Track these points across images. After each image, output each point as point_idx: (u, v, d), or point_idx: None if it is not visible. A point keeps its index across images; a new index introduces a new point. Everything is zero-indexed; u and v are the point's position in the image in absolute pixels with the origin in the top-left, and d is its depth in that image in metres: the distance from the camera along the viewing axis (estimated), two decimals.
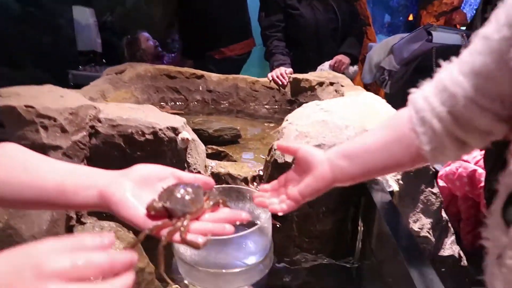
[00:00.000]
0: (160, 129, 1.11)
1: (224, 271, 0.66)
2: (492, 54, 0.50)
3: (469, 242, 1.45)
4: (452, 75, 0.55)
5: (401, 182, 1.10)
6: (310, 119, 1.22)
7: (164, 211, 0.55)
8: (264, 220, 0.68)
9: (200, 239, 0.46)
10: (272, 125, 1.89)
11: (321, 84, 1.97)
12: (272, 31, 2.28)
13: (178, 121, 1.16)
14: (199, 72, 2.13)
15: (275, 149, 1.14)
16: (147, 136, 1.11)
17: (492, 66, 0.50)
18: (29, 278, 0.34)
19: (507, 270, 0.48)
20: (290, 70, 2.08)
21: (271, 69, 2.17)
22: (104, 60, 3.17)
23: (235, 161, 1.41)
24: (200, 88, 2.12)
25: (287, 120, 1.28)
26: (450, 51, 0.62)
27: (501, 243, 0.50)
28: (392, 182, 1.08)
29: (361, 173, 0.66)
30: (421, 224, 1.10)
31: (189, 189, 0.58)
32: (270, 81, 2.08)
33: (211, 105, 2.10)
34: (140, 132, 1.11)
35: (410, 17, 5.45)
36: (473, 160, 1.43)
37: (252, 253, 0.71)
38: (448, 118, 0.55)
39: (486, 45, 0.51)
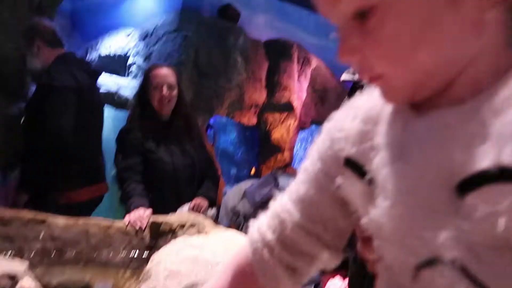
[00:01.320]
0: None
1: None
2: (311, 182, 0.57)
3: None
4: (282, 203, 0.61)
5: None
6: (180, 256, 1.14)
7: None
8: None
9: None
10: (128, 272, 1.68)
11: (182, 226, 1.91)
12: (129, 173, 2.21)
13: (18, 265, 0.93)
14: (41, 216, 1.85)
15: None
16: None
17: (312, 192, 0.57)
18: None
19: None
20: (149, 211, 1.99)
21: (128, 212, 2.03)
22: None
23: None
24: (41, 236, 1.81)
25: (153, 260, 1.17)
26: None
27: None
28: None
29: None
30: None
31: None
32: (127, 224, 1.93)
33: (54, 255, 1.79)
34: None
35: (253, 171, 6.12)
36: None
37: None
38: (277, 245, 0.58)
39: (306, 175, 0.58)
